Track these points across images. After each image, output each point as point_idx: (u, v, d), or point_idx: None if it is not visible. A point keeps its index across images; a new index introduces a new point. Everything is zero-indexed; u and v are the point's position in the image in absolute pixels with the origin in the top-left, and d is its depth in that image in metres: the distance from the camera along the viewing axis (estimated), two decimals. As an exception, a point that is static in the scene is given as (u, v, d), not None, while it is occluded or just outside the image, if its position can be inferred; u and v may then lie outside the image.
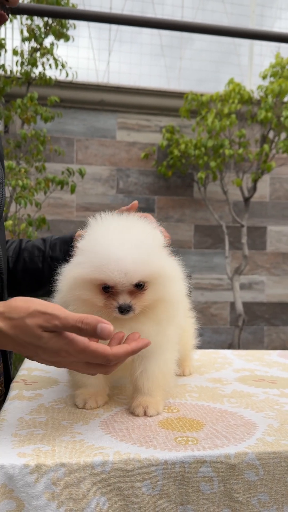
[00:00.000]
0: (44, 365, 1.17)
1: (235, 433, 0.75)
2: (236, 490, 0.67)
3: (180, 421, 0.80)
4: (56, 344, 0.67)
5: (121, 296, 0.75)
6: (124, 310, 0.74)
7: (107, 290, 0.76)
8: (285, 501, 0.68)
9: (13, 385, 1.00)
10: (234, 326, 4.05)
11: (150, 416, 0.82)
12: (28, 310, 0.67)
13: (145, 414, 0.82)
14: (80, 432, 0.74)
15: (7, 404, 0.87)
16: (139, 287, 0.76)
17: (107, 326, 0.67)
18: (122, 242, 0.75)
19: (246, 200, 3.96)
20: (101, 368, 0.71)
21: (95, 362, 0.70)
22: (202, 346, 4.18)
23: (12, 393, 0.94)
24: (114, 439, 0.72)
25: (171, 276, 0.80)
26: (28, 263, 1.14)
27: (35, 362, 1.20)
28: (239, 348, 3.92)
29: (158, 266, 0.77)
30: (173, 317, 0.82)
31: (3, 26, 3.39)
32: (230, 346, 4.11)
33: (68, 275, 0.79)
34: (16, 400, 0.89)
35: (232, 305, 4.22)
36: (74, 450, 0.67)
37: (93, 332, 0.67)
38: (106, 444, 0.69)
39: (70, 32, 3.34)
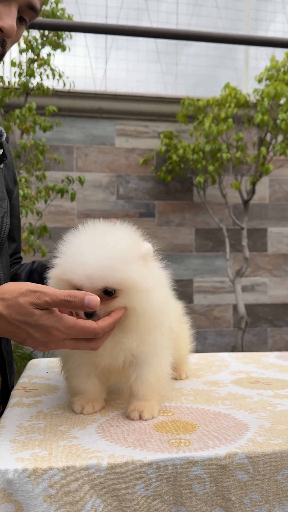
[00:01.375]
0: (44, 373, 1.20)
1: (227, 434, 0.78)
2: (228, 489, 0.69)
3: (174, 424, 0.83)
4: (47, 321, 0.72)
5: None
6: (87, 314, 0.75)
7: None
8: (276, 500, 0.70)
9: (13, 392, 1.02)
10: (238, 329, 4.06)
11: (146, 420, 0.84)
12: (20, 291, 0.73)
13: (140, 418, 0.84)
14: (77, 437, 0.76)
15: (7, 411, 0.89)
16: (109, 294, 0.77)
17: (93, 297, 0.72)
18: (94, 248, 0.77)
19: (246, 202, 3.98)
20: (90, 343, 0.75)
21: (84, 337, 0.74)
22: (206, 349, 4.19)
23: (12, 400, 0.96)
24: (110, 442, 0.74)
25: (142, 287, 0.78)
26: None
27: (36, 370, 1.22)
28: (242, 350, 3.93)
29: (127, 275, 0.76)
30: (153, 327, 0.82)
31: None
32: (233, 349, 4.13)
33: (50, 275, 0.83)
34: (16, 407, 0.91)
35: (235, 307, 4.24)
36: (70, 454, 0.70)
37: (81, 304, 0.71)
38: (101, 448, 0.72)
39: (66, 42, 3.39)
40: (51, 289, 0.73)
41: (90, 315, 0.75)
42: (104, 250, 0.77)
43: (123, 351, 0.81)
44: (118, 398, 0.98)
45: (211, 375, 1.19)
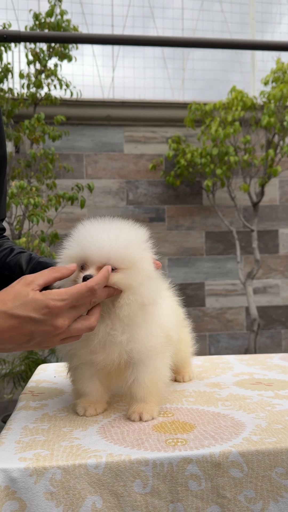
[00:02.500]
0: (52, 377, 1.24)
1: (223, 433, 0.80)
2: (223, 487, 0.72)
3: (173, 425, 0.85)
4: (40, 295, 0.77)
5: (89, 269, 0.83)
6: (85, 278, 0.81)
7: (83, 267, 0.85)
8: (271, 497, 0.73)
9: (21, 396, 1.06)
10: (250, 331, 4.06)
11: (145, 421, 0.87)
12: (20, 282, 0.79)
13: (140, 419, 0.87)
14: (79, 437, 0.80)
15: (14, 414, 0.93)
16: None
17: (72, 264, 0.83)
18: (101, 230, 0.86)
19: (255, 204, 3.99)
20: (87, 320, 0.80)
21: (82, 301, 0.78)
22: (219, 352, 4.19)
23: (20, 404, 1.00)
24: (109, 442, 0.77)
25: (140, 268, 0.85)
26: (7, 282, 1.09)
27: (44, 374, 1.26)
28: (255, 353, 3.93)
29: (128, 255, 0.84)
30: (143, 321, 0.85)
31: (9, 51, 3.47)
32: (247, 351, 4.12)
33: (61, 255, 0.90)
34: (22, 410, 0.95)
35: (247, 310, 4.23)
36: (71, 453, 0.73)
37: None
38: (101, 447, 0.75)
39: (73, 52, 3.46)
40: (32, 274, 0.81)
41: (87, 279, 0.81)
42: (112, 232, 0.85)
43: (116, 346, 0.84)
44: (120, 400, 1.01)
45: (214, 377, 1.21)
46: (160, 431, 0.82)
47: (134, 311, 0.83)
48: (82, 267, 0.85)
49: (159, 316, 0.89)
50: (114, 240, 0.84)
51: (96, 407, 0.91)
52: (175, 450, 0.73)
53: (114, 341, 0.84)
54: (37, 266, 1.07)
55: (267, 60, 4.58)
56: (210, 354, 4.20)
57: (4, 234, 1.23)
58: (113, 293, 0.83)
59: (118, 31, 4.33)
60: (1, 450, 0.75)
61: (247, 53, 4.65)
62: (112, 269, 0.83)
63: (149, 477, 0.71)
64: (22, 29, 3.58)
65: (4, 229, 1.22)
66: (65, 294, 0.77)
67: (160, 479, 0.71)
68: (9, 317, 0.76)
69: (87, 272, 0.82)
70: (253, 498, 0.72)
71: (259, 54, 4.61)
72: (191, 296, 4.27)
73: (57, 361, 3.25)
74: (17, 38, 2.16)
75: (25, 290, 0.77)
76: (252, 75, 4.59)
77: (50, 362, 3.22)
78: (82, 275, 0.82)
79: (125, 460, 0.71)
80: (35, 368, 3.04)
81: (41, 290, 0.79)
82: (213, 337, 4.30)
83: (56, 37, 2.28)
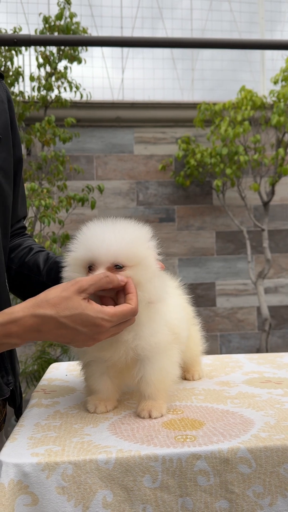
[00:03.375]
0: (64, 375, 1.26)
1: (232, 430, 0.81)
2: (231, 482, 0.73)
3: (182, 422, 0.87)
4: (92, 311, 0.79)
5: (98, 271, 0.84)
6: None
7: (91, 269, 0.86)
8: (279, 492, 0.73)
9: (33, 394, 1.08)
10: (262, 331, 4.05)
11: (155, 418, 0.88)
12: (62, 287, 0.82)
13: (150, 416, 0.88)
14: (89, 434, 0.81)
15: (26, 412, 0.95)
16: (118, 268, 0.84)
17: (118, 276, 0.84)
18: (107, 230, 0.87)
19: (265, 204, 3.98)
20: (126, 323, 0.84)
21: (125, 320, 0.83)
22: (230, 352, 4.20)
23: (32, 401, 1.02)
24: (119, 439, 0.79)
25: (150, 266, 0.87)
26: (26, 280, 1.12)
27: (56, 373, 1.28)
28: (267, 352, 3.92)
29: (134, 252, 0.85)
30: (148, 318, 0.87)
31: (20, 55, 3.52)
32: (258, 351, 4.11)
33: (67, 259, 0.91)
34: (34, 408, 0.97)
35: (259, 309, 4.22)
36: (82, 449, 0.75)
37: (116, 279, 0.83)
38: (111, 443, 0.76)
39: (83, 54, 3.49)
40: (84, 278, 0.82)
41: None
42: (117, 231, 0.86)
43: (122, 344, 0.86)
44: (131, 398, 1.02)
45: (224, 375, 1.21)
46: (169, 427, 0.83)
47: (142, 308, 0.84)
48: (90, 268, 0.86)
49: (165, 314, 0.90)
50: (120, 239, 0.85)
51: (106, 405, 0.93)
52: (184, 446, 0.74)
53: (121, 339, 0.85)
54: (54, 265, 1.08)
55: (277, 59, 4.57)
56: (222, 354, 4.20)
57: (26, 232, 1.25)
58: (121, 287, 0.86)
59: (127, 33, 4.35)
60: (14, 446, 0.77)
61: (257, 52, 4.64)
62: (120, 267, 0.84)
63: (159, 473, 0.72)
64: (32, 32, 3.62)
65: (24, 227, 1.24)
66: (114, 315, 0.80)
67: (169, 474, 0.72)
68: (57, 323, 0.80)
69: (98, 272, 0.83)
70: (261, 493, 0.73)
71: (268, 53, 4.60)
72: (201, 296, 4.27)
73: (69, 360, 3.27)
74: (27, 42, 2.19)
75: (77, 300, 0.80)
76: (261, 74, 4.58)
77: (62, 361, 3.25)
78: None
79: (135, 456, 0.72)
80: (47, 367, 3.07)
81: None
82: (224, 337, 4.29)
83: (65, 40, 2.30)
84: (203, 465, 0.73)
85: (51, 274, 1.07)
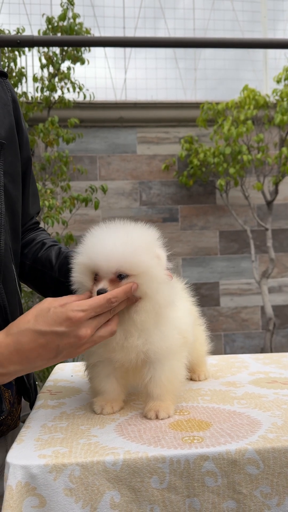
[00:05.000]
0: (69, 376, 1.26)
1: (239, 431, 0.81)
2: (239, 483, 0.72)
3: (189, 423, 0.86)
4: (62, 308, 0.78)
5: (102, 282, 0.83)
6: (99, 293, 0.81)
7: (96, 277, 0.85)
8: (287, 492, 0.73)
9: (39, 395, 1.08)
10: (266, 330, 4.04)
11: (162, 419, 0.88)
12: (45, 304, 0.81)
13: (156, 417, 0.88)
14: (96, 435, 0.81)
15: (32, 413, 0.95)
16: (121, 278, 0.83)
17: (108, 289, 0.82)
18: (112, 237, 0.85)
19: (269, 203, 3.97)
20: (107, 326, 0.81)
21: (102, 312, 0.80)
22: (235, 351, 4.17)
23: (38, 402, 1.02)
24: (126, 440, 0.79)
25: (152, 274, 0.84)
26: (40, 275, 1.12)
27: (61, 374, 1.28)
28: (271, 351, 3.91)
29: (138, 261, 0.83)
30: (157, 324, 0.86)
31: (23, 55, 3.53)
32: (262, 351, 4.10)
33: (75, 261, 0.90)
34: (41, 409, 0.97)
35: (263, 309, 4.22)
36: (89, 451, 0.75)
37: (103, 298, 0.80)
38: (118, 445, 0.76)
39: (86, 55, 3.49)
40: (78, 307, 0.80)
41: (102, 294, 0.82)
42: (120, 239, 0.84)
43: (133, 348, 0.86)
44: (137, 399, 1.02)
45: (230, 376, 1.21)
46: (176, 429, 0.83)
47: (150, 314, 0.84)
48: (96, 277, 0.85)
49: (175, 319, 0.90)
50: (121, 248, 0.83)
51: (113, 406, 0.92)
52: (191, 447, 0.74)
53: (131, 344, 0.85)
54: (65, 261, 1.07)
55: (280, 58, 4.56)
56: (226, 353, 4.19)
57: (39, 226, 1.24)
58: (133, 302, 0.84)
59: (129, 33, 4.35)
60: (21, 448, 0.77)
61: (259, 51, 4.64)
62: (124, 277, 0.83)
63: (166, 474, 0.72)
64: (35, 33, 3.62)
65: (37, 223, 1.24)
66: (85, 305, 0.78)
67: (176, 476, 0.72)
68: (33, 333, 0.78)
69: (100, 286, 0.83)
70: (269, 494, 0.73)
71: (271, 52, 4.59)
72: (205, 296, 4.26)
73: (73, 361, 3.26)
74: (31, 43, 2.19)
75: (46, 307, 0.79)
76: (264, 73, 4.57)
77: (67, 362, 3.25)
78: (96, 288, 0.83)
79: (142, 457, 0.72)
80: (50, 369, 3.08)
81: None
82: (228, 337, 4.29)
83: (69, 41, 2.31)
84: (210, 466, 0.72)
85: (63, 269, 1.06)
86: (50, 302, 0.81)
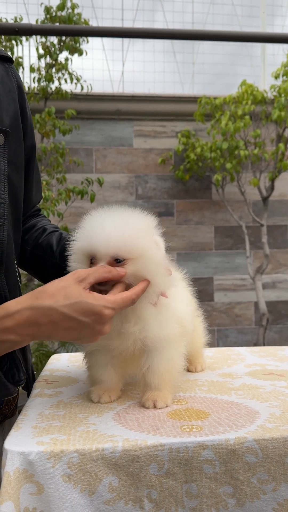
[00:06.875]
0: (65, 366, 1.25)
1: (238, 421, 0.81)
2: (237, 470, 0.72)
3: (187, 412, 0.86)
4: (93, 300, 0.77)
5: (98, 264, 0.82)
6: (101, 284, 0.81)
7: (92, 262, 0.84)
8: (283, 479, 0.73)
9: (35, 384, 1.08)
10: (259, 326, 4.06)
11: (160, 408, 0.88)
12: (59, 280, 0.79)
13: (154, 406, 0.88)
14: (94, 423, 0.81)
15: (29, 401, 0.95)
16: (118, 262, 0.83)
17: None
18: (109, 221, 0.84)
19: (265, 199, 3.97)
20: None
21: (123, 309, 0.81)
22: (228, 346, 4.16)
23: (35, 391, 1.01)
24: (125, 428, 0.78)
25: (149, 257, 0.84)
26: (41, 262, 1.11)
27: (57, 364, 1.28)
28: (264, 347, 3.93)
29: (136, 245, 0.83)
30: (155, 311, 0.86)
31: (20, 45, 3.47)
32: (255, 346, 4.12)
33: (71, 248, 0.89)
34: (37, 398, 0.96)
35: (256, 305, 4.23)
36: (88, 438, 0.74)
37: (114, 269, 0.81)
38: (117, 433, 0.76)
39: (83, 46, 3.46)
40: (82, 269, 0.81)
41: (104, 284, 0.81)
42: (117, 223, 0.84)
43: (130, 335, 0.86)
44: (134, 388, 1.02)
45: (226, 367, 1.21)
46: (175, 417, 0.83)
47: (148, 302, 0.84)
48: (92, 260, 0.85)
49: (173, 308, 0.90)
50: (120, 231, 0.82)
51: (110, 395, 0.92)
52: (190, 436, 0.74)
53: (128, 330, 0.85)
54: (66, 246, 1.02)
55: (278, 54, 4.55)
56: (219, 348, 4.20)
57: (40, 213, 1.23)
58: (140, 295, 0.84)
59: (127, 25, 4.32)
60: (18, 435, 0.76)
61: (257, 47, 4.63)
62: (121, 261, 0.82)
63: (165, 461, 0.72)
64: (33, 23, 3.58)
65: (39, 210, 1.23)
66: (116, 303, 0.78)
67: (175, 463, 0.72)
68: (59, 314, 0.76)
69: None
70: (265, 480, 0.73)
71: (269, 48, 4.59)
72: (199, 291, 4.25)
73: (67, 352, 3.26)
74: (29, 31, 2.17)
75: (77, 290, 0.77)
76: (262, 69, 4.56)
77: (62, 353, 3.24)
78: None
79: (141, 445, 0.72)
80: (45, 361, 3.07)
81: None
82: (221, 332, 4.30)
83: (68, 30, 2.28)
84: (209, 454, 0.72)
85: (64, 256, 1.02)
86: (80, 282, 0.78)
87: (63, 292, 0.77)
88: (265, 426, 0.77)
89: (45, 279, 1.12)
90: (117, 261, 0.83)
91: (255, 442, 0.73)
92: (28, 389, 1.07)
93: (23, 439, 0.75)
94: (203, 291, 4.29)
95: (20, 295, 1.05)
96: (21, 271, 1.12)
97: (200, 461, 0.72)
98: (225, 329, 4.30)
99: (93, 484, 0.70)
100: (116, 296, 0.79)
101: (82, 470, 0.70)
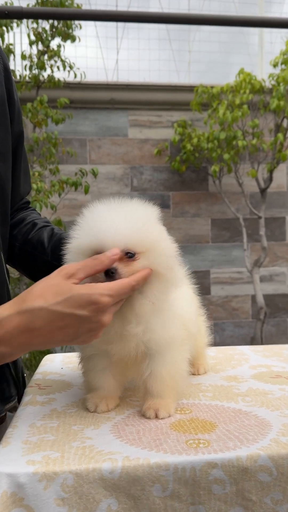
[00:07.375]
0: (59, 369, 1.18)
1: (248, 433, 0.74)
2: (249, 490, 0.66)
3: (192, 423, 0.79)
4: (86, 289, 0.69)
5: None
6: (109, 272, 0.72)
7: None
8: (300, 501, 0.67)
9: (27, 390, 1.00)
10: (256, 319, 4.00)
11: (162, 418, 0.81)
12: (47, 277, 0.71)
13: (156, 416, 0.81)
14: (91, 437, 0.74)
15: (19, 411, 0.87)
16: (129, 256, 0.75)
17: (113, 248, 0.73)
18: (114, 213, 0.77)
19: (263, 191, 3.90)
20: (115, 306, 0.73)
21: (122, 297, 0.73)
22: (224, 340, 4.12)
23: (26, 398, 0.94)
24: (124, 443, 0.71)
25: (166, 250, 0.78)
26: (30, 258, 1.04)
27: (50, 366, 1.20)
28: (262, 341, 3.88)
29: (146, 236, 0.76)
30: (159, 310, 0.79)
31: (11, 31, 3.35)
32: (252, 340, 4.07)
33: (68, 247, 0.81)
34: (29, 406, 0.89)
35: (253, 298, 4.17)
36: (84, 456, 0.67)
37: (105, 257, 0.72)
38: (116, 449, 0.69)
39: (76, 32, 3.35)
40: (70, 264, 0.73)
41: (112, 274, 0.72)
42: (124, 214, 0.77)
43: (132, 337, 0.78)
44: (133, 395, 0.95)
45: (230, 369, 1.14)
46: (179, 430, 0.76)
47: (162, 298, 0.76)
48: None
49: (177, 308, 0.82)
50: (130, 222, 0.76)
51: (108, 403, 0.85)
52: (197, 453, 0.67)
53: (130, 333, 0.77)
54: (59, 243, 0.97)
55: (275, 42, 4.45)
56: (215, 342, 4.15)
57: (29, 206, 1.15)
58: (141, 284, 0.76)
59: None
60: (7, 452, 0.69)
61: (254, 35, 4.53)
62: (132, 255, 0.75)
63: (170, 482, 0.65)
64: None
65: (28, 202, 1.15)
66: (112, 289, 0.69)
67: (181, 484, 0.65)
68: (51, 314, 0.68)
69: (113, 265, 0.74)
70: (280, 500, 0.66)
71: (267, 36, 4.49)
72: (196, 284, 4.20)
73: (61, 350, 3.19)
74: (20, 14, 2.06)
75: (67, 285, 0.69)
76: (260, 58, 4.47)
77: (55, 352, 3.17)
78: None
79: (143, 464, 0.64)
80: (39, 357, 3.00)
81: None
82: (218, 326, 4.24)
83: (59, 14, 2.18)
84: (219, 474, 0.65)
85: (56, 252, 0.95)
86: (69, 277, 0.70)
87: (52, 290, 0.69)
88: (279, 441, 0.71)
89: (35, 277, 1.04)
90: (128, 256, 0.75)
91: (269, 460, 0.66)
92: (19, 393, 0.99)
93: (13, 456, 0.67)
94: (200, 284, 4.20)
95: (8, 294, 0.97)
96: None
97: (208, 481, 0.65)
98: (221, 323, 4.24)
99: (90, 508, 0.63)
100: (111, 282, 0.71)
101: (78, 492, 0.63)
